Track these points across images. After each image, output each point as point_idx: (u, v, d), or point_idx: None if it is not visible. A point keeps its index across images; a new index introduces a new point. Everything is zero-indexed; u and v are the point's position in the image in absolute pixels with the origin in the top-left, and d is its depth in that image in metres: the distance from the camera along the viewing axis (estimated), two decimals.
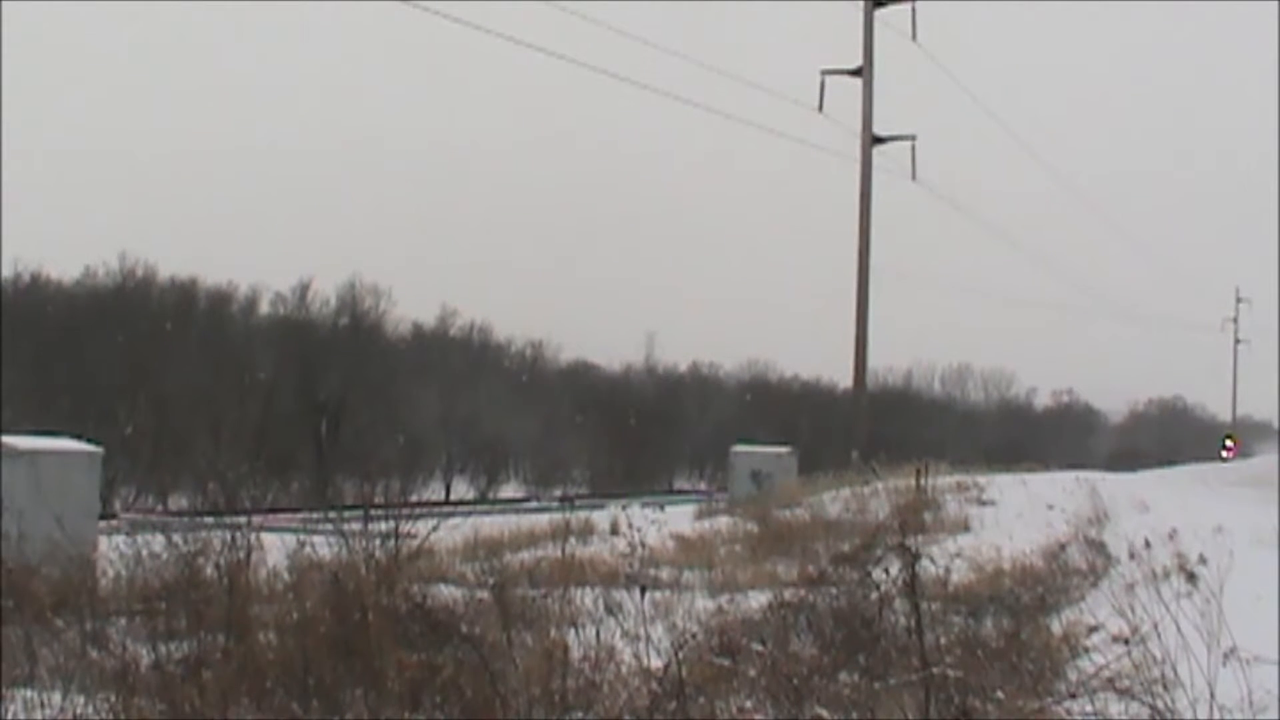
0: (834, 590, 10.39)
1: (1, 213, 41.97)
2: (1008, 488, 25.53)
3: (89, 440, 18.14)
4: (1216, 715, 6.29)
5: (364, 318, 49.91)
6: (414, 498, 40.46)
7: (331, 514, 10.77)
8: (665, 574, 16.04)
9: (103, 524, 16.57)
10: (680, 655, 6.61)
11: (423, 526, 9.58)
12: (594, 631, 7.59)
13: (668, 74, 65.11)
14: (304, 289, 49.29)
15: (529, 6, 24.66)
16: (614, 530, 20.08)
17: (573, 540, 17.14)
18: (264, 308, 50.02)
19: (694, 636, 8.54)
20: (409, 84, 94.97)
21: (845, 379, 39.55)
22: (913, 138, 36.46)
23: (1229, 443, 69.73)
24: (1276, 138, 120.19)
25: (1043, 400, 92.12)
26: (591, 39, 47.06)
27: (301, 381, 44.67)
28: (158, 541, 9.82)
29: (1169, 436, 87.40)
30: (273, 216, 76.26)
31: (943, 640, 7.45)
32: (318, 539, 9.94)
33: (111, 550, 11.35)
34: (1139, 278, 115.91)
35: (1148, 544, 12.88)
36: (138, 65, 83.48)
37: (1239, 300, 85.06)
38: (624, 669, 7.27)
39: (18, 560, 10.89)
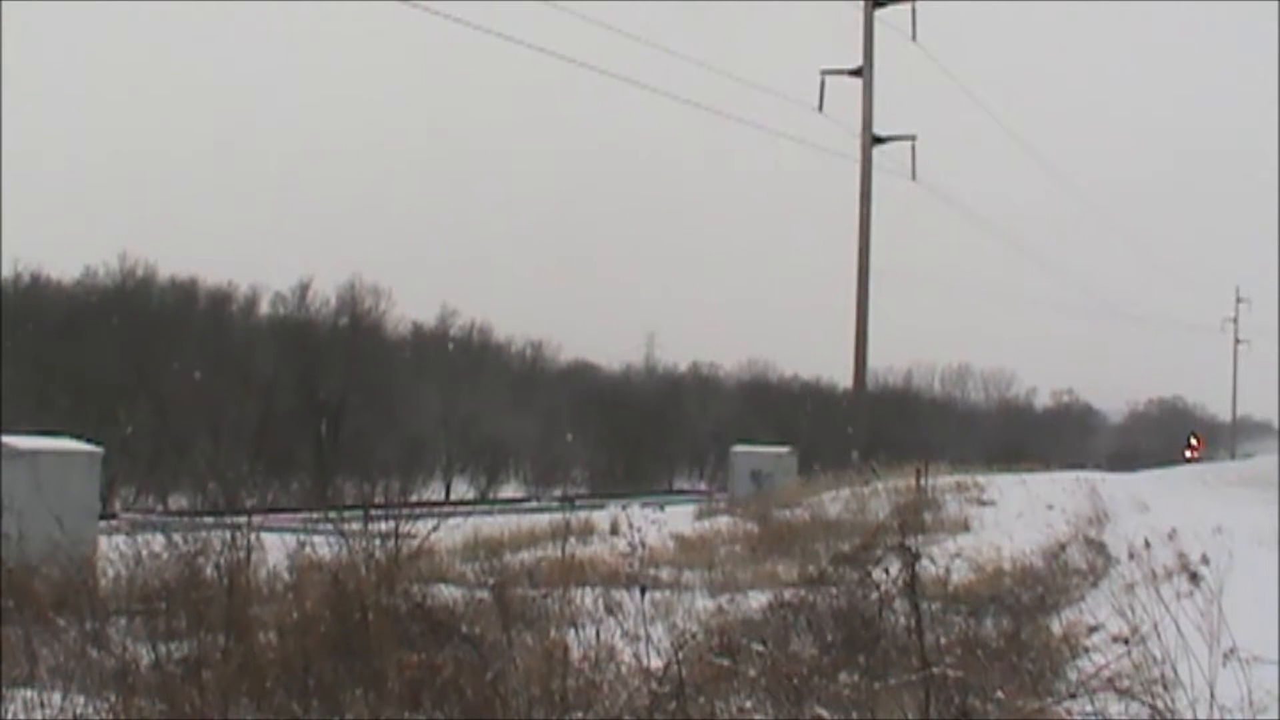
0: (834, 590, 10.38)
1: (1, 213, 42.03)
2: (1008, 488, 25.55)
3: (89, 440, 18.14)
4: (1216, 715, 6.29)
5: (364, 318, 49.91)
6: (414, 498, 40.47)
7: (331, 514, 10.76)
8: (665, 574, 16.04)
9: (103, 524, 16.56)
10: (680, 655, 6.61)
11: (423, 526, 9.57)
12: (594, 631, 7.58)
13: (668, 74, 65.25)
14: (304, 289, 49.36)
15: (529, 6, 24.68)
16: (614, 530, 20.09)
17: (573, 540, 17.14)
18: (264, 308, 50.10)
19: (694, 636, 8.54)
20: (409, 84, 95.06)
21: (845, 379, 39.58)
22: (913, 138, 36.50)
23: (1193, 441, 69.33)
24: (1276, 138, 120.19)
25: (1043, 400, 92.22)
26: (591, 39, 47.14)
27: (301, 381, 44.67)
28: (158, 541, 9.81)
29: (1169, 436, 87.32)
30: (273, 216, 76.33)
31: (943, 640, 7.45)
32: (318, 539, 9.93)
33: (111, 550, 11.34)
34: (1139, 278, 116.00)
35: (1148, 544, 12.87)
36: (138, 65, 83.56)
37: (1239, 300, 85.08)
38: (624, 669, 7.26)
39: (18, 560, 10.88)
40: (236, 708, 7.09)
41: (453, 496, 47.46)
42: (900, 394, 75.39)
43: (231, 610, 8.17)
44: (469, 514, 18.90)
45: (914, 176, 36.58)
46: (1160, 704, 6.47)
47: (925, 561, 8.84)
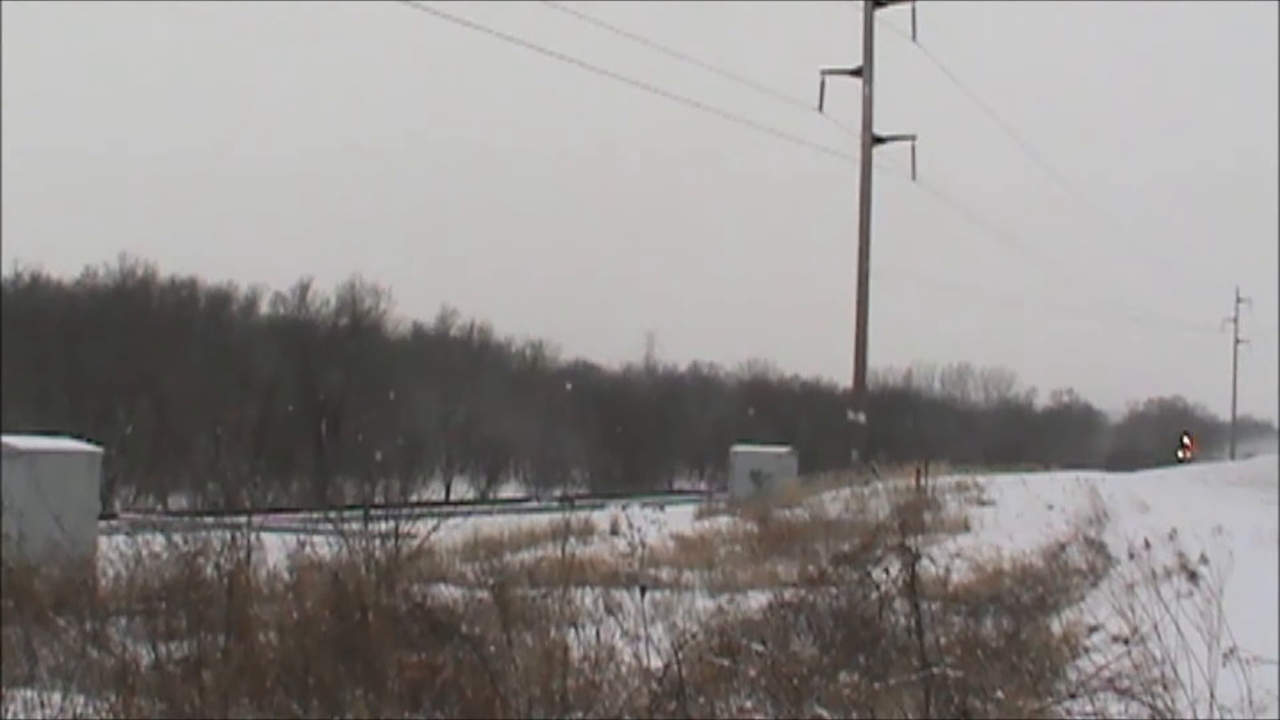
0: (834, 590, 10.38)
1: (1, 213, 42.03)
2: (1008, 488, 25.58)
3: (89, 440, 18.12)
4: (1216, 715, 6.28)
5: (364, 318, 49.91)
6: (414, 498, 40.47)
7: (331, 514, 10.74)
8: (665, 574, 16.04)
9: (103, 524, 16.56)
10: (680, 655, 6.60)
11: (423, 526, 9.56)
12: (594, 631, 7.58)
13: (668, 74, 65.24)
14: (304, 289, 49.37)
15: (529, 6, 24.68)
16: (614, 530, 20.08)
17: (573, 540, 17.12)
18: (264, 308, 50.12)
19: (694, 636, 8.53)
20: (409, 84, 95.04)
21: (845, 379, 39.58)
22: (913, 138, 36.52)
23: (1186, 440, 69.13)
24: (1276, 138, 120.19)
25: (1043, 400, 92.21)
26: (591, 39, 47.19)
27: (301, 381, 44.67)
28: (158, 541, 9.81)
29: (1169, 437, 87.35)
30: (273, 216, 76.33)
31: (943, 640, 7.45)
32: (318, 539, 9.92)
33: (111, 550, 11.34)
34: (1139, 278, 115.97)
35: (1147, 544, 12.89)
36: (138, 65, 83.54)
37: (1239, 300, 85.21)
38: (624, 669, 7.26)
39: (18, 560, 10.87)
40: (236, 708, 7.09)
41: (453, 496, 47.47)
42: (900, 394, 75.39)
43: (231, 610, 8.16)
44: (469, 514, 18.86)
45: (914, 176, 36.62)
46: (1160, 704, 6.47)
47: (925, 561, 8.84)
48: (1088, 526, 19.62)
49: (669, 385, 65.48)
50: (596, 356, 64.99)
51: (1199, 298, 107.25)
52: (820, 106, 35.43)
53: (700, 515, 25.62)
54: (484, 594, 9.11)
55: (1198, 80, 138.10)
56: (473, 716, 6.85)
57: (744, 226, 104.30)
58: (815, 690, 7.07)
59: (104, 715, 7.13)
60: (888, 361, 73.61)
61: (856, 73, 35.19)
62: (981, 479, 27.15)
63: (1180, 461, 60.14)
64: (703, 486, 53.22)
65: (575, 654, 7.20)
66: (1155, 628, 7.13)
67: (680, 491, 50.30)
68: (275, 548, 9.93)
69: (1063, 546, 17.23)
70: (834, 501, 24.85)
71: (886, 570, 8.61)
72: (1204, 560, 12.06)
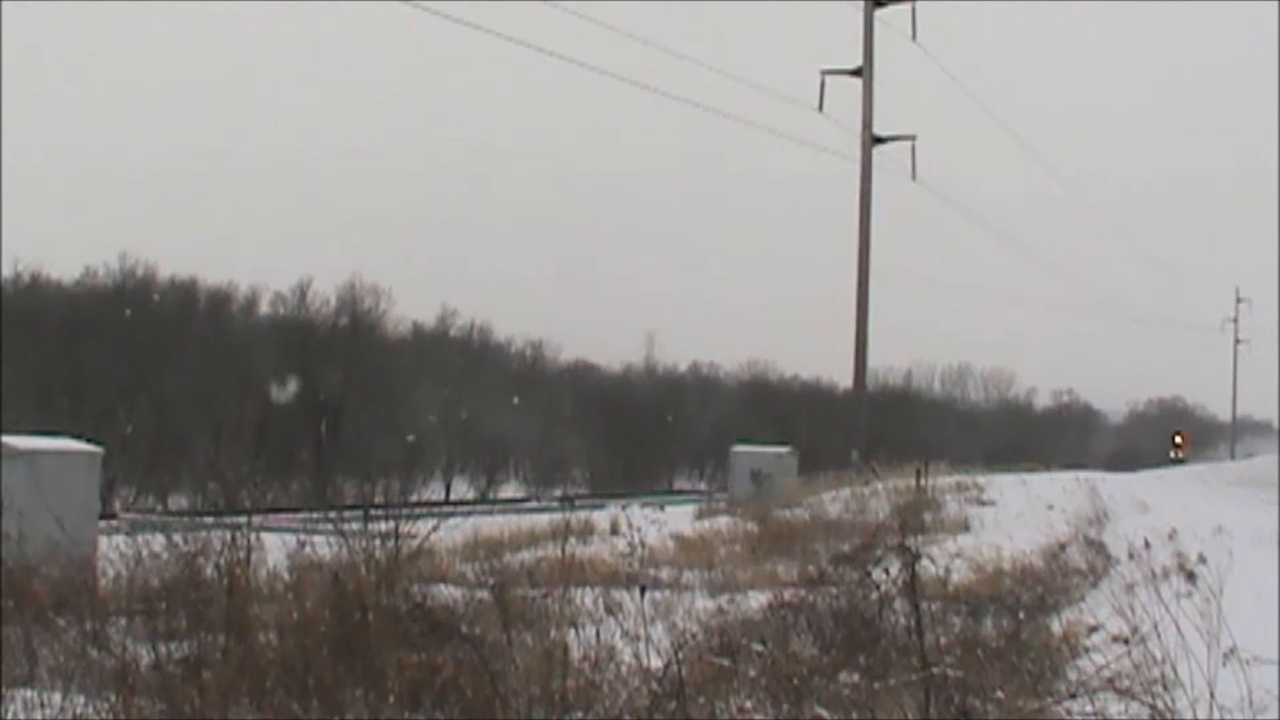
0: (834, 590, 10.39)
1: (1, 213, 42.02)
2: (1008, 488, 25.58)
3: (89, 440, 18.12)
4: (1216, 715, 6.28)
5: (364, 318, 49.87)
6: (414, 498, 40.46)
7: (331, 514, 10.74)
8: (665, 574, 16.04)
9: (103, 524, 16.56)
10: (680, 655, 6.60)
11: (423, 526, 9.56)
12: (594, 631, 7.58)
13: (668, 74, 65.29)
14: (304, 289, 49.31)
15: (529, 6, 24.70)
16: (614, 530, 20.09)
17: (573, 540, 17.12)
18: (264, 308, 50.06)
19: (694, 636, 8.55)
20: (409, 84, 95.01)
21: (845, 379, 39.60)
22: (913, 138, 36.56)
23: (1178, 440, 69.06)
24: (1276, 138, 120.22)
25: (1043, 400, 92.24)
26: (591, 39, 47.20)
27: (301, 381, 44.65)
28: (158, 541, 9.81)
29: (1169, 437, 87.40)
30: (273, 216, 76.34)
31: (943, 640, 7.44)
32: (318, 539, 9.92)
33: (111, 550, 11.34)
34: (1139, 278, 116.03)
35: (1147, 544, 12.87)
36: (138, 65, 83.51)
37: (1239, 300, 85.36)
38: (624, 669, 7.26)
39: (18, 560, 10.88)
40: (236, 708, 7.08)
41: (453, 496, 47.46)
42: (900, 394, 75.38)
43: (231, 610, 8.16)
44: (469, 514, 18.86)
45: (914, 176, 36.66)
46: (1160, 704, 6.47)
47: (925, 561, 8.84)
48: (1088, 526, 19.63)
49: (669, 385, 65.45)
50: (596, 356, 65.07)
51: (1199, 298, 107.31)
52: (820, 106, 35.49)
53: (700, 515, 25.63)
54: (484, 594, 9.11)
55: (1198, 80, 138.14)
56: (473, 716, 6.85)
57: (744, 226, 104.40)
58: (815, 690, 7.07)
59: (104, 715, 7.13)
60: (888, 361, 73.71)
61: (856, 73, 35.22)
62: (981, 479, 27.17)
63: (1173, 462, 60.16)
64: (703, 486, 53.20)
65: (575, 654, 7.20)
66: (1155, 628, 7.13)
67: (680, 491, 50.27)
68: (275, 548, 9.93)
69: (1063, 546, 17.24)
70: (834, 501, 24.86)
71: (886, 570, 8.62)
72: (1203, 560, 12.06)
